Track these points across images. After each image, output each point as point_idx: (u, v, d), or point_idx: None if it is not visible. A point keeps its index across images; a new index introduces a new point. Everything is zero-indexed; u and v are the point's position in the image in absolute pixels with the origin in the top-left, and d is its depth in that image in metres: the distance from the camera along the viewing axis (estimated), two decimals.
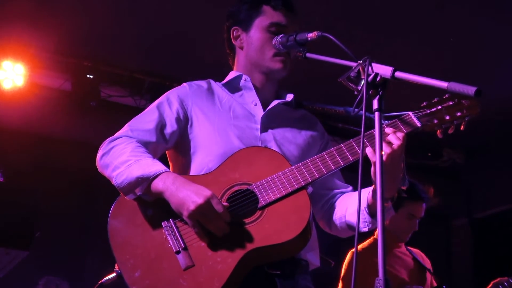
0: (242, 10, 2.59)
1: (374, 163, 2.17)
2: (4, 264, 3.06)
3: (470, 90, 1.83)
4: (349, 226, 2.45)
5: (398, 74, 1.95)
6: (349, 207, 2.46)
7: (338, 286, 4.22)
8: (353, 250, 4.00)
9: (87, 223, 5.95)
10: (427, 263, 4.47)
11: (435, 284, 4.39)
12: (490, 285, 4.61)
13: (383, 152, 2.14)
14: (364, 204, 2.36)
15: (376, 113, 1.93)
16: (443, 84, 1.88)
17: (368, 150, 2.20)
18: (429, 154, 7.22)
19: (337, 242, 2.68)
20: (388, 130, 2.24)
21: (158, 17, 5.19)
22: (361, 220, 2.37)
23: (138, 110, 6.16)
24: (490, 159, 7.33)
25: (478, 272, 7.59)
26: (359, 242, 4.22)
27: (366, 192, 2.34)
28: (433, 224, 7.51)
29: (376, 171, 1.88)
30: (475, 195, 7.79)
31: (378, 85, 1.95)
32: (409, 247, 4.46)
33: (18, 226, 2.98)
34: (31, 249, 2.96)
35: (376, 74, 1.96)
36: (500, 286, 4.56)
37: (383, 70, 1.96)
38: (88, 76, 5.70)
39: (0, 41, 5.32)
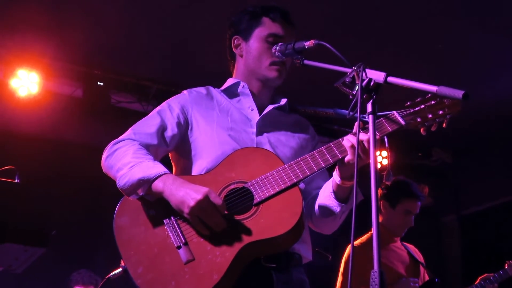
0: (243, 20, 2.61)
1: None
2: (23, 261, 3.07)
3: (458, 93, 1.84)
4: (320, 211, 2.46)
5: (391, 79, 1.96)
6: (320, 196, 2.48)
7: (337, 280, 4.23)
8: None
9: (97, 222, 5.94)
10: (420, 258, 4.48)
11: (427, 278, 4.40)
12: (478, 281, 4.63)
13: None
14: (330, 190, 2.40)
15: (370, 116, 1.94)
16: (432, 88, 1.89)
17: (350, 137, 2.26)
18: (420, 154, 7.23)
19: (334, 236, 2.68)
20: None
21: (164, 28, 5.20)
22: (329, 204, 2.41)
23: (145, 115, 6.17)
24: (476, 159, 7.34)
25: (466, 265, 7.60)
26: (357, 237, 4.23)
27: (331, 179, 2.40)
28: (424, 220, 7.50)
29: (371, 170, 1.88)
30: (463, 193, 7.80)
31: (371, 90, 1.96)
32: (404, 242, 4.47)
33: (35, 225, 2.98)
34: (48, 246, 2.97)
35: (370, 80, 1.97)
36: (487, 281, 4.58)
37: (376, 76, 1.97)
38: (98, 83, 5.71)
39: (16, 51, 5.34)
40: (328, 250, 4.09)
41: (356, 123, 2.17)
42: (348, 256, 4.19)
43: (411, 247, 4.49)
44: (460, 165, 7.39)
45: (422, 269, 4.41)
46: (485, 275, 4.64)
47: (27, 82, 5.41)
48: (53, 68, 5.51)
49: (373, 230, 1.84)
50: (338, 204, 2.38)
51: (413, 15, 5.02)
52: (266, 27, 2.55)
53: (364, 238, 4.27)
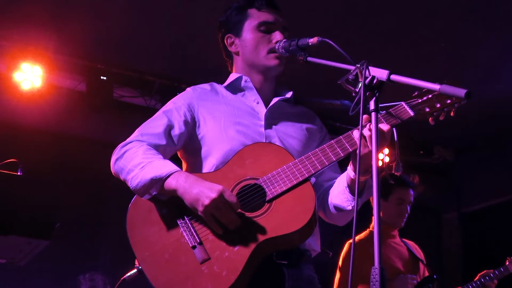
0: (231, 17, 2.61)
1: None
2: (26, 253, 3.08)
3: (461, 92, 1.84)
4: (336, 208, 2.46)
5: (394, 77, 1.96)
6: (334, 190, 2.47)
7: (336, 276, 4.23)
8: (351, 241, 4.00)
9: (100, 214, 5.98)
10: (420, 254, 4.49)
11: (427, 274, 4.41)
12: (477, 277, 4.62)
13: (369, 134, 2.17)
14: (344, 184, 2.39)
15: (373, 114, 1.94)
16: (435, 87, 1.89)
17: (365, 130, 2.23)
18: (422, 152, 7.24)
19: (334, 233, 2.69)
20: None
21: (168, 22, 5.20)
22: (344, 199, 2.40)
23: (148, 109, 6.21)
24: (478, 157, 7.34)
25: (466, 263, 7.60)
26: (356, 233, 4.23)
27: (346, 173, 2.39)
28: (425, 217, 7.53)
29: (373, 169, 1.88)
30: (464, 191, 7.81)
31: (374, 87, 1.96)
32: (403, 239, 4.48)
33: (39, 218, 2.99)
34: (51, 239, 2.98)
35: (373, 77, 1.96)
36: (486, 277, 4.58)
37: (380, 73, 1.97)
38: (101, 77, 5.71)
39: (20, 45, 5.35)
40: (328, 246, 4.09)
41: (374, 122, 2.16)
42: (347, 253, 4.20)
43: (411, 243, 4.50)
44: (462, 163, 7.39)
45: (421, 266, 4.41)
46: (485, 271, 4.63)
47: (30, 76, 5.41)
48: (57, 62, 5.52)
49: (374, 227, 1.84)
50: (352, 199, 2.37)
51: (416, 13, 5.02)
52: (255, 18, 2.56)
53: (362, 235, 4.27)
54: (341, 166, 2.57)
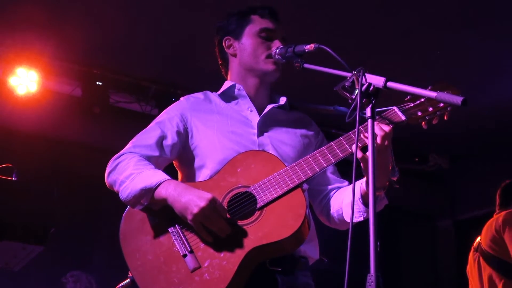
0: (231, 21, 2.63)
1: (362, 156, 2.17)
2: (21, 258, 3.08)
3: (457, 99, 1.85)
4: (344, 216, 2.45)
5: (390, 84, 1.95)
6: (344, 199, 2.46)
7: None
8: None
9: (95, 220, 5.96)
10: None
11: None
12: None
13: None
14: (357, 195, 2.36)
15: (369, 121, 1.94)
16: (432, 94, 1.90)
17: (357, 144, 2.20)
18: (416, 159, 7.25)
19: (330, 239, 2.68)
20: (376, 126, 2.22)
21: (164, 28, 5.21)
22: (356, 210, 2.37)
23: (144, 115, 6.19)
24: (472, 165, 7.35)
25: (461, 269, 7.60)
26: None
27: (359, 184, 2.35)
28: (420, 224, 7.53)
29: (369, 170, 1.87)
30: (458, 198, 7.81)
31: (371, 94, 1.95)
32: None
33: (34, 223, 2.99)
34: (46, 244, 2.98)
35: (369, 84, 1.96)
36: None
37: (376, 80, 1.96)
38: (97, 83, 5.71)
39: (15, 49, 5.34)
40: (324, 253, 4.08)
41: (370, 129, 2.14)
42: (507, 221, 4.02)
43: None
44: (457, 170, 7.40)
45: None
46: None
47: (26, 81, 5.40)
48: (52, 67, 5.51)
49: (370, 232, 1.83)
50: (364, 210, 2.33)
51: (412, 21, 5.04)
52: (257, 24, 2.57)
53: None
54: (341, 172, 2.57)
